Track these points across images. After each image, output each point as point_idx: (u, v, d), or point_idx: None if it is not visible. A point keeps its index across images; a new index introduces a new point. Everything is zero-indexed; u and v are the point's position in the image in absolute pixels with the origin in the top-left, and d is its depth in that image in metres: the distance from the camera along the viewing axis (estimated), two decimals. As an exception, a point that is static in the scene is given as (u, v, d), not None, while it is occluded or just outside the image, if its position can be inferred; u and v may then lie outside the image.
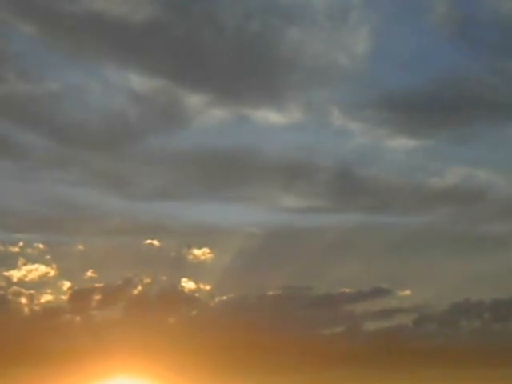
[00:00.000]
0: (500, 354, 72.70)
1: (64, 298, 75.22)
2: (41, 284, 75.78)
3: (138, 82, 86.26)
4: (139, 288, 75.06)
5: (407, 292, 77.29)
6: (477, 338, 75.55)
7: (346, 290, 77.76)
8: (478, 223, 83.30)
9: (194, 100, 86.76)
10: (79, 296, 74.54)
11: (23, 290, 74.13)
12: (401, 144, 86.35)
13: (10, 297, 74.02)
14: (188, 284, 76.02)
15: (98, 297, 74.29)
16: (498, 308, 76.28)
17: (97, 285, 75.30)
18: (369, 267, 77.86)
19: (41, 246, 76.90)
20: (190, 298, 76.16)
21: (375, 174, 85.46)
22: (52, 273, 75.57)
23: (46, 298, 75.11)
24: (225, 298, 77.20)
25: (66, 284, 75.30)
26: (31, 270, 75.07)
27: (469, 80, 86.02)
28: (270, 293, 77.53)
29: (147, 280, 75.52)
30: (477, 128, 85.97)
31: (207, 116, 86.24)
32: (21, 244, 76.05)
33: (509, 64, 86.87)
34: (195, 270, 78.06)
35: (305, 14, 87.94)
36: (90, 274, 75.40)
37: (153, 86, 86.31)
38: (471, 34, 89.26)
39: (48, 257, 76.61)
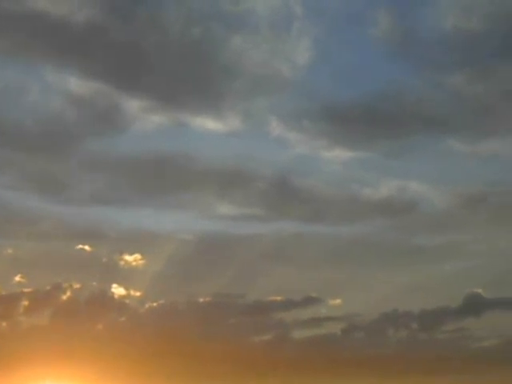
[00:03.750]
0: (427, 363, 74.36)
1: (-10, 303, 74.49)
2: (-35, 288, 75.21)
3: (77, 84, 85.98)
4: (68, 294, 74.61)
5: (338, 301, 78.63)
6: (404, 347, 76.90)
7: (278, 298, 78.51)
8: (409, 235, 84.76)
9: (132, 105, 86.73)
10: (6, 301, 73.73)
11: None
12: (337, 155, 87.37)
13: None
14: (118, 290, 75.97)
15: (25, 302, 73.58)
16: (426, 318, 77.78)
17: (25, 290, 74.60)
18: (301, 276, 79.17)
19: (-33, 248, 76.37)
20: (120, 304, 76.09)
21: (311, 184, 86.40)
22: (-22, 277, 74.96)
23: (-29, 302, 74.42)
24: (155, 304, 77.09)
25: (-7, 289, 74.88)
26: (-44, 274, 74.45)
27: (407, 94, 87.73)
28: (201, 300, 77.81)
29: (77, 285, 75.20)
30: (412, 141, 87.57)
31: (145, 121, 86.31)
32: None
33: (447, 80, 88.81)
34: (126, 276, 77.98)
35: (248, 23, 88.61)
36: (18, 278, 74.78)
37: (92, 89, 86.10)
38: (411, 48, 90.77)
39: (-26, 260, 76.10)
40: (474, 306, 76.72)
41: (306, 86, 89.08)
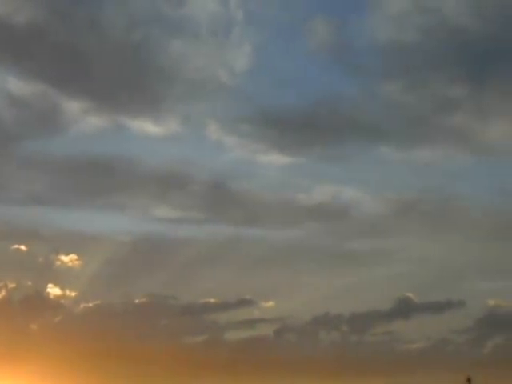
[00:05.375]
0: (358, 364, 75.89)
1: None
2: None
3: (16, 85, 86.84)
4: (3, 293, 74.62)
5: (270, 303, 79.74)
6: (335, 349, 78.14)
7: (212, 300, 79.47)
8: (342, 240, 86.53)
9: (72, 106, 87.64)
10: None
11: None
12: (273, 160, 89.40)
13: None
14: (54, 290, 76.18)
15: (-41, 301, 73.27)
16: (357, 321, 79.14)
17: (-41, 289, 74.34)
18: (235, 278, 79.82)
19: None
20: (55, 305, 76.28)
21: (247, 188, 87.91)
22: None
23: None
24: (90, 304, 77.42)
25: None
26: None
27: (342, 102, 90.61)
28: (136, 301, 78.40)
29: (12, 285, 75.27)
30: (347, 148, 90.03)
31: (85, 123, 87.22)
32: None
33: (381, 89, 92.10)
34: (62, 276, 78.30)
35: (188, 28, 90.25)
36: (-49, 278, 74.42)
37: (31, 90, 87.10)
38: (349, 58, 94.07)
39: None
40: (404, 309, 78.61)
41: (245, 92, 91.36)
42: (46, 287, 75.92)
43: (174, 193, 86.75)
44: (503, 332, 78.17)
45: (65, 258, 78.20)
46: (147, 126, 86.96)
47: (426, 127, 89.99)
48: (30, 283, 76.63)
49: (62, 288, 76.27)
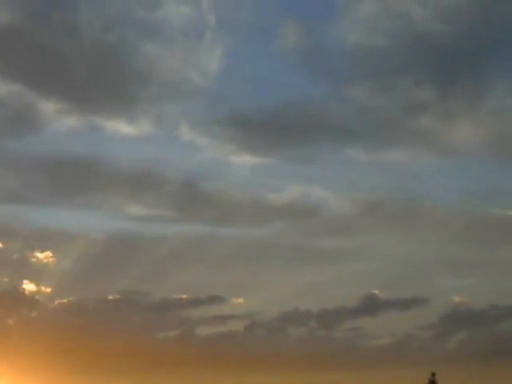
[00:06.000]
0: (325, 359, 77.94)
1: None
2: None
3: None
4: (-21, 289, 75.58)
5: (240, 300, 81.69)
6: (304, 344, 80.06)
7: (183, 297, 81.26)
8: (311, 238, 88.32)
9: (47, 107, 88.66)
10: None
11: None
12: (244, 160, 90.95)
13: None
14: (29, 286, 77.44)
15: None
16: (324, 317, 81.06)
17: None
18: (206, 275, 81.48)
19: None
20: (30, 300, 77.50)
21: (219, 188, 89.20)
22: None
23: None
24: (65, 300, 78.85)
25: None
26: None
27: (312, 104, 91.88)
28: (110, 297, 79.97)
29: (-12, 281, 76.28)
30: (316, 149, 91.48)
31: (60, 123, 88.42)
32: None
33: (350, 92, 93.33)
34: (37, 273, 79.61)
35: (162, 31, 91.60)
36: None
37: (7, 90, 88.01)
38: (317, 60, 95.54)
39: None
40: (371, 306, 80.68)
41: (217, 94, 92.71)
42: (21, 283, 77.39)
43: (146, 192, 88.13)
44: (467, 328, 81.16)
45: (40, 255, 79.88)
46: (121, 127, 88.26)
47: (393, 129, 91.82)
48: (5, 279, 78.43)
49: (37, 284, 77.86)
